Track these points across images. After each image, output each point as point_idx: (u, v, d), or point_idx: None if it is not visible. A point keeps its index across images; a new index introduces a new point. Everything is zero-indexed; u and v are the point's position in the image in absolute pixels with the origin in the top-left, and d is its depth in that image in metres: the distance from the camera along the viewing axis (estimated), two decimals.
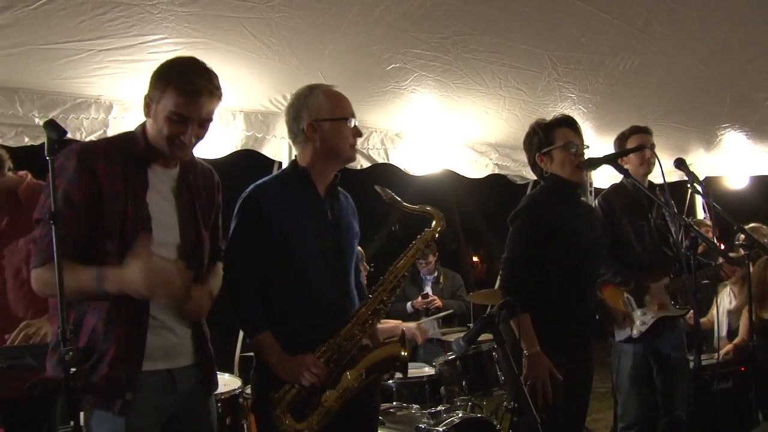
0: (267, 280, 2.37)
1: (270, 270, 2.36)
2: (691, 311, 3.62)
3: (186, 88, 1.98)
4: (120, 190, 1.98)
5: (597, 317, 3.14)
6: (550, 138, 2.95)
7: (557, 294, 2.83)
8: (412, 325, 4.77)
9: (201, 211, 2.18)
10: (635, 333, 3.65)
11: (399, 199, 2.55)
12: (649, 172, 3.81)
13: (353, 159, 2.54)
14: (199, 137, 2.09)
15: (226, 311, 2.35)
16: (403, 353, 2.41)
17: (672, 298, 3.65)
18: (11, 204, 2.60)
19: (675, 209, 3.72)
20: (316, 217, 2.43)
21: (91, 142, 2.20)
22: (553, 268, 2.83)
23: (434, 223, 2.56)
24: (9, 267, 2.56)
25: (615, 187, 3.92)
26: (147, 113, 2.06)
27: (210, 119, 2.08)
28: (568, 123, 2.97)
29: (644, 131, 3.81)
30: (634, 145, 3.67)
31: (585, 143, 2.97)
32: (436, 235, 2.56)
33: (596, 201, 3.97)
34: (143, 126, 2.10)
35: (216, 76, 2.07)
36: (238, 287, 2.35)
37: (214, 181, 2.31)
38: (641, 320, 3.67)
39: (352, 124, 2.46)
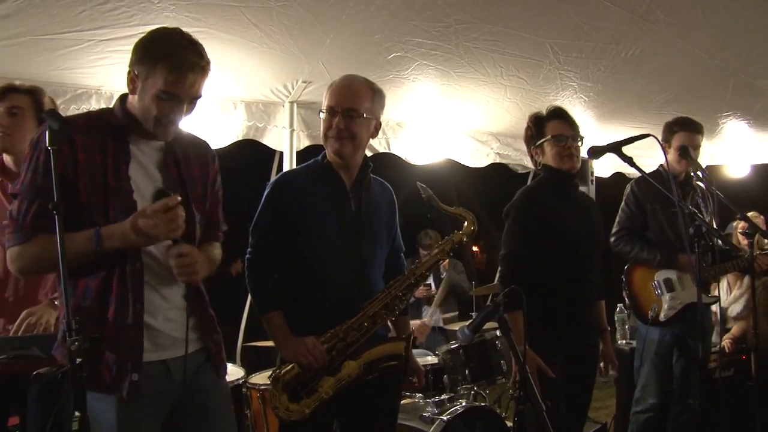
0: (287, 267, 2.45)
1: (290, 257, 2.44)
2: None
3: (176, 65, 1.88)
4: (98, 162, 1.90)
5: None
6: (541, 131, 2.99)
7: (554, 286, 2.84)
8: (416, 322, 4.83)
9: (192, 187, 2.08)
10: (662, 317, 3.72)
11: (436, 198, 2.57)
12: (687, 170, 3.81)
13: (332, 150, 2.45)
14: (187, 114, 2.00)
15: (225, 300, 2.35)
16: (402, 352, 2.45)
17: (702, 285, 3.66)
18: None
19: (703, 199, 3.84)
20: (338, 207, 2.45)
21: (72, 115, 2.09)
22: (548, 260, 2.84)
23: (465, 225, 2.58)
24: None
25: (650, 174, 3.89)
26: (132, 89, 1.95)
27: (199, 96, 1.98)
28: (558, 115, 2.99)
29: (692, 130, 3.78)
30: (679, 142, 3.71)
31: (580, 134, 2.99)
32: (465, 239, 2.58)
33: (629, 186, 3.98)
34: (122, 98, 2.01)
35: (203, 48, 1.95)
36: (255, 266, 2.46)
37: (207, 154, 2.19)
38: (669, 305, 3.72)
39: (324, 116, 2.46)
